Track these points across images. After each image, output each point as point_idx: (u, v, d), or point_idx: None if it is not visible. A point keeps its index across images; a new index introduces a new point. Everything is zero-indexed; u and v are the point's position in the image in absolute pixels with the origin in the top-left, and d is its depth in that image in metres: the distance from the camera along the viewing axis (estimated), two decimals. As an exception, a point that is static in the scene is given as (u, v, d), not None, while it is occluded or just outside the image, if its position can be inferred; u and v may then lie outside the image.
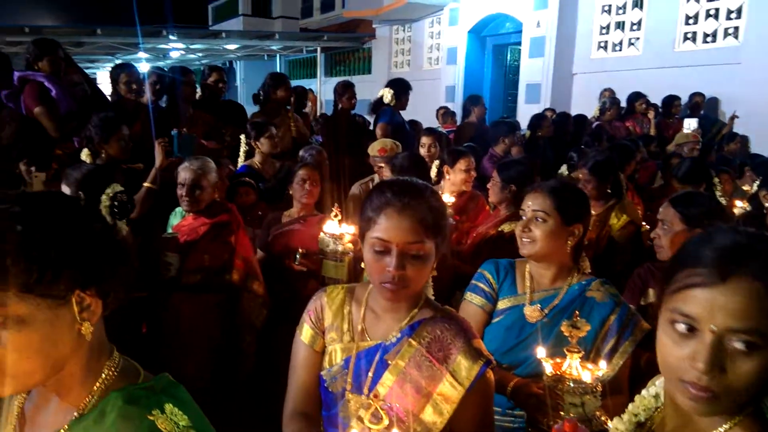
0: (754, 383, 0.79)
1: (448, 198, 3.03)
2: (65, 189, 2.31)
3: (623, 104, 6.32)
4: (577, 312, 1.46)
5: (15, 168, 3.04)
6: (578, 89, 8.27)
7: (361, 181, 3.74)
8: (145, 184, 3.08)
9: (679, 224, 2.08)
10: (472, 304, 1.83)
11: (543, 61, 8.33)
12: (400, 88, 4.87)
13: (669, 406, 0.95)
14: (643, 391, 1.04)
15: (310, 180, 3.02)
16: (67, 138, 3.42)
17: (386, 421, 1.24)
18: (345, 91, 5.05)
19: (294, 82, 13.83)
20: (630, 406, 1.04)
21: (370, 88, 11.91)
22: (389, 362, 1.28)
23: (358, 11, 11.79)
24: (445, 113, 7.57)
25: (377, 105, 4.88)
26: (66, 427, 0.87)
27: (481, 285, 1.84)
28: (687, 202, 2.12)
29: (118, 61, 11.28)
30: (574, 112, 6.43)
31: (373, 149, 3.84)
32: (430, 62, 11.23)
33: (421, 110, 8.06)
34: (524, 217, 1.77)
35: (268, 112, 4.37)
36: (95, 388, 0.89)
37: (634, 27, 7.81)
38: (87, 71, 11.81)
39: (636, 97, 6.28)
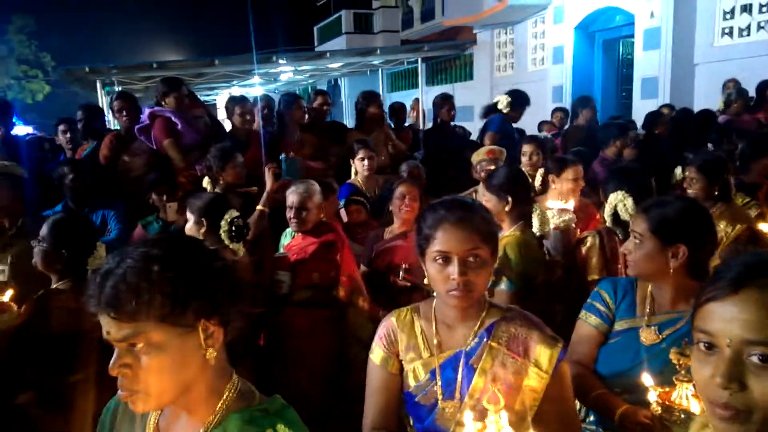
0: None
1: (570, 204, 2.91)
2: (189, 216, 2.53)
3: (752, 94, 5.69)
4: (686, 340, 1.37)
5: (147, 197, 3.37)
6: (701, 81, 7.57)
7: (465, 193, 3.70)
8: (258, 207, 3.28)
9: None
10: (586, 324, 1.78)
11: (659, 53, 7.74)
12: (519, 99, 4.80)
13: None
14: None
15: (409, 196, 3.04)
16: (189, 167, 3.73)
17: (492, 415, 1.27)
18: (444, 103, 5.04)
19: (396, 94, 14.01)
20: None
21: (473, 95, 11.85)
22: (475, 366, 1.38)
23: (457, 19, 11.73)
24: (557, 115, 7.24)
25: (489, 110, 4.80)
26: None
27: (597, 304, 1.78)
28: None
29: (234, 87, 12.16)
30: (697, 107, 5.90)
31: (479, 154, 3.79)
32: (535, 63, 10.89)
33: (527, 113, 7.83)
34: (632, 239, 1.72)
35: (365, 129, 4.47)
36: (218, 408, 1.01)
37: (764, 9, 7.02)
38: (207, 98, 12.72)
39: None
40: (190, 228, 2.52)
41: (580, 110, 5.35)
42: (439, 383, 1.40)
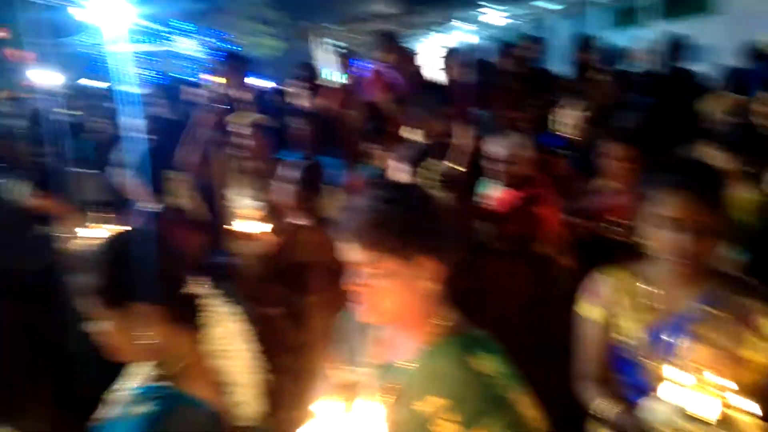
0: None
1: None
2: (399, 165, 2.75)
3: None
4: None
5: (364, 146, 3.70)
6: None
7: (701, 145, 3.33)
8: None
9: None
10: None
11: None
12: None
13: None
14: None
15: (621, 154, 2.86)
16: (402, 118, 3.97)
17: (711, 377, 1.27)
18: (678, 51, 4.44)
19: (620, 33, 12.42)
20: None
21: (721, 32, 9.97)
22: (692, 331, 1.37)
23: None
24: None
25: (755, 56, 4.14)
26: (413, 357, 1.19)
27: None
28: None
29: (434, 35, 12.19)
30: None
31: (720, 105, 3.36)
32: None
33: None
34: None
35: (579, 77, 4.24)
36: (434, 331, 1.19)
37: None
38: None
39: None
40: (400, 176, 2.74)
41: None
42: (651, 343, 1.42)
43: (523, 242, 2.89)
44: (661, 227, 1.34)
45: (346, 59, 4.31)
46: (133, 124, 3.79)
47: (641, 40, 6.61)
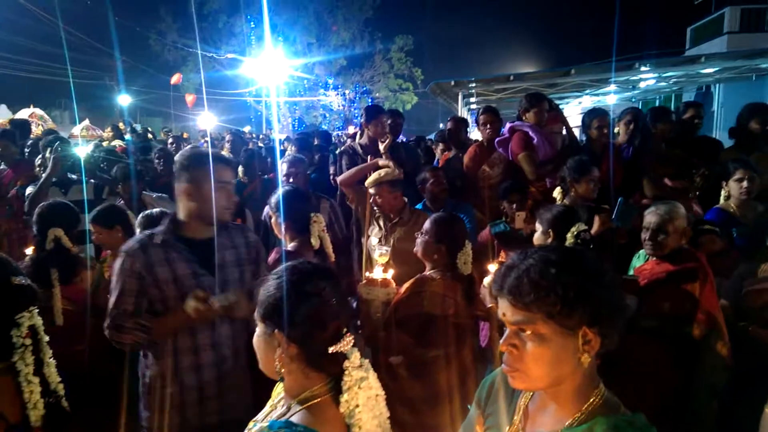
0: None
1: None
2: (538, 226, 2.66)
3: None
4: None
5: (499, 204, 3.65)
6: None
7: None
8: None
9: None
10: None
11: None
12: None
13: None
14: None
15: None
16: (541, 179, 3.88)
17: None
18: None
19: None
20: None
21: None
22: None
23: None
24: None
25: None
26: (560, 431, 1.11)
27: None
28: None
29: (585, 97, 11.90)
30: None
31: None
32: None
33: None
34: None
35: (744, 146, 3.85)
36: (584, 408, 1.11)
37: None
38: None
39: None
40: (537, 237, 2.64)
41: None
42: None
43: (672, 321, 2.61)
44: None
45: (490, 116, 4.32)
46: (282, 167, 4.11)
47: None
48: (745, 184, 3.30)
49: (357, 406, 1.26)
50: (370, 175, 3.49)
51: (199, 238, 2.23)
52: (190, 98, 25.39)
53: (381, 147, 4.00)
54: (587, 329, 1.07)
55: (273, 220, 2.79)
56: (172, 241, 2.19)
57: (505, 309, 1.11)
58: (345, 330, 1.31)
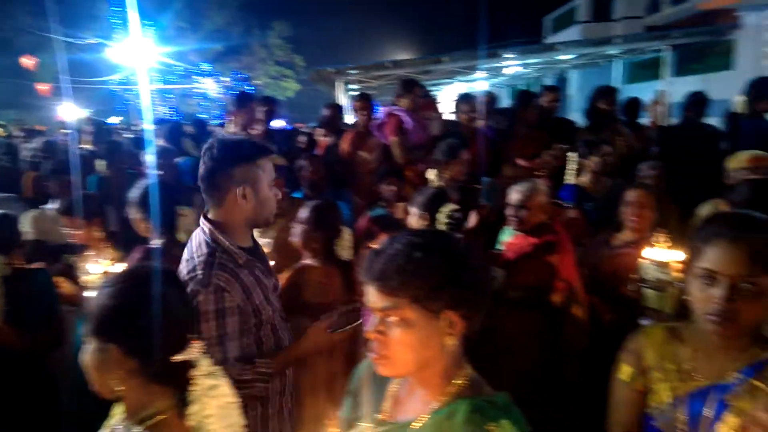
0: None
1: None
2: (413, 210, 2.71)
3: None
4: None
5: (377, 188, 3.69)
6: None
7: (715, 201, 3.27)
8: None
9: None
10: None
11: None
12: (755, 92, 4.05)
13: None
14: None
15: (639, 204, 2.80)
16: (413, 163, 3.97)
17: None
18: (696, 106, 4.45)
19: (636, 86, 12.77)
20: None
21: (732, 87, 10.18)
22: (730, 404, 1.24)
23: (716, 0, 10.26)
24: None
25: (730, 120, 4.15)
26: (425, 415, 1.11)
27: None
28: None
29: (456, 83, 12.40)
30: None
31: (739, 161, 3.30)
32: (819, 47, 8.99)
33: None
34: None
35: (596, 127, 4.22)
36: (450, 391, 1.11)
37: None
38: (431, 93, 13.13)
39: None
40: (412, 220, 2.70)
41: None
42: (685, 413, 1.29)
43: (536, 292, 2.79)
44: (710, 285, 1.22)
45: (364, 102, 4.35)
46: (147, 159, 3.84)
47: (658, 93, 6.65)
48: (595, 160, 3.61)
49: (208, 416, 1.18)
50: None
51: (246, 247, 1.86)
52: (44, 87, 22.92)
53: (252, 135, 3.87)
54: (451, 312, 1.06)
55: (133, 216, 2.58)
56: (248, 257, 1.82)
57: (372, 295, 1.08)
58: (190, 336, 1.22)
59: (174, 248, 2.51)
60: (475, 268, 1.10)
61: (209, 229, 1.77)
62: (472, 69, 10.92)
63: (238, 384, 1.54)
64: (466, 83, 12.87)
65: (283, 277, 2.63)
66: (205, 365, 1.21)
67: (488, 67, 11.28)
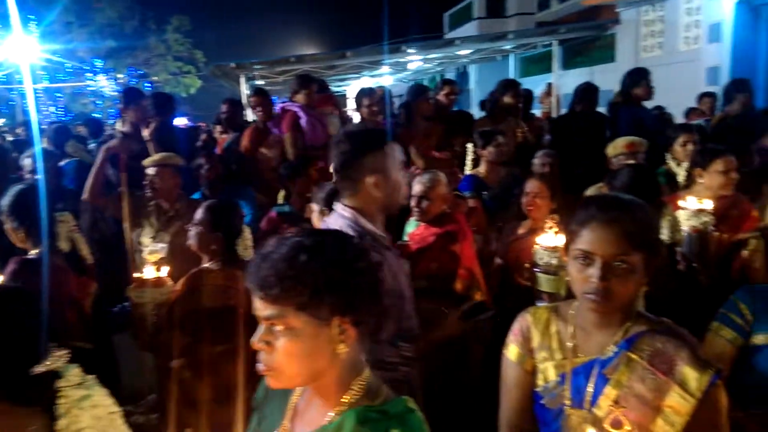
0: None
1: (707, 203, 2.65)
2: (314, 206, 2.68)
3: None
4: None
5: (282, 185, 3.62)
6: None
7: (598, 186, 3.51)
8: None
9: None
10: (717, 336, 1.62)
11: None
12: (629, 79, 4.38)
13: None
14: None
15: (535, 193, 2.95)
16: (316, 159, 3.94)
17: (628, 427, 1.24)
18: (585, 95, 4.73)
19: (530, 79, 13.43)
20: None
21: (615, 78, 10.99)
22: (609, 377, 1.30)
23: (598, -3, 11.00)
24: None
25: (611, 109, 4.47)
26: (317, 430, 1.05)
27: (732, 316, 1.61)
28: None
29: (364, 78, 12.48)
30: None
31: (617, 147, 3.55)
32: (688, 42, 9.88)
33: (676, 97, 7.15)
34: None
35: (494, 118, 4.38)
36: (343, 401, 1.05)
37: None
38: (338, 89, 13.13)
39: None
40: (314, 217, 2.67)
41: (735, 94, 4.76)
42: (569, 389, 1.35)
43: (439, 280, 2.86)
44: (587, 265, 1.27)
45: (259, 98, 4.24)
46: (26, 163, 3.52)
47: (549, 86, 7.07)
48: (491, 150, 3.75)
49: (81, 429, 1.09)
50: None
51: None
52: None
53: (145, 133, 3.66)
54: (341, 319, 1.02)
55: (7, 226, 2.35)
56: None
57: (257, 303, 1.02)
58: (52, 345, 1.12)
59: (54, 257, 2.32)
60: (365, 271, 1.04)
61: (352, 214, 1.82)
62: (378, 64, 11.03)
63: (385, 366, 1.62)
64: (372, 78, 12.97)
65: (180, 284, 2.52)
66: (73, 375, 1.12)
67: (392, 62, 11.44)
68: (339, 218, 1.85)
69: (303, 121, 4.00)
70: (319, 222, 2.64)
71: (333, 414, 1.04)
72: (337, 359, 1.03)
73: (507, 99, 4.39)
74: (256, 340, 1.03)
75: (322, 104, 4.22)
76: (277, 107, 4.21)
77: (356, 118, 4.68)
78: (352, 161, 1.81)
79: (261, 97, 4.26)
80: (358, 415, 1.00)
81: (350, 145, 1.81)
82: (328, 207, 2.64)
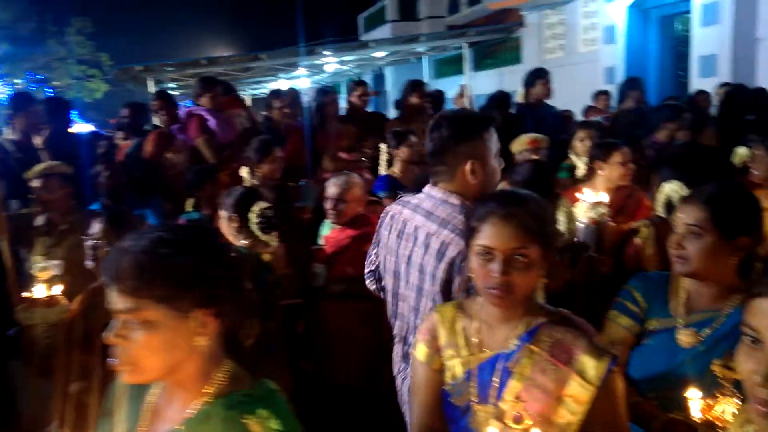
0: None
1: (603, 196, 2.80)
2: (223, 213, 2.57)
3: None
4: (728, 350, 1.26)
5: (192, 193, 3.46)
6: (766, 58, 7.09)
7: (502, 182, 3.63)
8: None
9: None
10: (615, 324, 1.66)
11: (718, 28, 7.29)
12: (526, 80, 4.60)
13: None
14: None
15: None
16: (226, 163, 3.81)
17: (529, 422, 1.25)
18: (501, 102, 4.89)
19: (443, 81, 13.74)
20: None
21: (522, 79, 11.50)
22: (512, 370, 1.31)
23: (504, 1, 11.44)
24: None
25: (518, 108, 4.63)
26: (181, 424, 1.03)
27: (627, 303, 1.66)
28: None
29: (281, 80, 12.29)
30: (762, 84, 5.53)
31: (520, 144, 3.69)
32: (586, 44, 10.49)
33: (578, 95, 7.56)
34: (676, 231, 1.55)
35: (405, 119, 4.43)
36: (206, 392, 1.04)
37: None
38: (255, 91, 12.86)
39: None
40: (223, 224, 2.57)
41: (629, 92, 5.11)
42: (475, 385, 1.35)
43: (356, 283, 2.83)
44: (488, 260, 1.28)
45: (162, 102, 4.05)
46: None
47: (461, 87, 7.27)
48: (404, 150, 3.77)
49: None
50: None
51: None
52: None
53: (37, 141, 3.39)
54: (202, 311, 1.02)
55: None
56: None
57: (113, 297, 0.99)
58: None
59: None
60: (227, 265, 1.06)
61: (457, 197, 1.77)
62: (294, 66, 10.89)
63: None
64: (289, 81, 12.80)
65: (76, 302, 2.34)
66: None
67: (309, 65, 11.35)
68: (442, 203, 1.78)
69: (211, 123, 3.86)
70: (228, 230, 2.54)
71: (198, 405, 1.03)
72: (196, 352, 1.03)
73: (413, 99, 4.45)
74: (111, 335, 1.00)
75: (229, 107, 4.09)
76: (181, 111, 4.03)
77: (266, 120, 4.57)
78: (451, 147, 1.77)
79: (163, 100, 4.08)
80: (227, 402, 1.02)
81: (449, 130, 1.78)
82: (237, 213, 2.56)
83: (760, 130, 3.44)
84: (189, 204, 3.52)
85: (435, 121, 1.85)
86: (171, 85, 10.47)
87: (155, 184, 3.79)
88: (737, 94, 4.76)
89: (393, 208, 1.98)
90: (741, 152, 3.37)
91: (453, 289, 1.70)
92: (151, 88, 9.36)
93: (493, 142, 1.83)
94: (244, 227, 2.50)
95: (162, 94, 4.23)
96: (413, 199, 1.92)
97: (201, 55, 13.54)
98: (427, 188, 1.87)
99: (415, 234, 1.82)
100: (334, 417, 2.78)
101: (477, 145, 1.78)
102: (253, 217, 2.53)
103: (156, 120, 4.51)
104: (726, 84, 5.64)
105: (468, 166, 1.77)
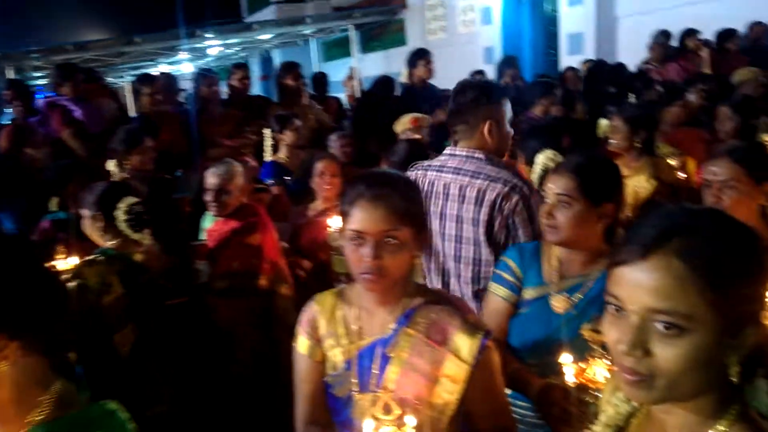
0: (689, 368, 0.74)
1: None
2: (85, 212, 2.34)
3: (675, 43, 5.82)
4: (595, 314, 1.33)
5: (62, 191, 3.14)
6: (626, 35, 7.68)
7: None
8: None
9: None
10: (495, 296, 1.69)
11: (583, 7, 7.80)
12: (409, 61, 4.69)
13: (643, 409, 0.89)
14: (614, 398, 0.93)
15: (329, 172, 2.95)
16: (98, 155, 3.51)
17: (397, 411, 1.23)
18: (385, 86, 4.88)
19: (332, 63, 13.58)
20: (602, 416, 0.94)
21: (405, 60, 11.63)
22: (391, 355, 1.29)
23: (386, -18, 11.48)
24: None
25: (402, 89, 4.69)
26: None
27: (504, 274, 1.69)
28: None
29: (161, 66, 11.55)
30: (623, 61, 5.99)
31: (403, 123, 3.72)
32: (466, 24, 10.81)
33: (459, 75, 7.74)
34: (547, 201, 1.59)
35: (286, 101, 4.32)
36: (27, 421, 0.93)
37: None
38: (132, 78, 12.03)
39: (688, 33, 5.75)
40: (86, 225, 2.34)
41: (505, 70, 5.33)
42: (355, 373, 1.31)
43: (241, 278, 2.73)
44: (360, 245, 1.23)
45: (15, 91, 3.64)
46: None
47: (350, 70, 7.24)
48: (289, 135, 3.68)
49: None
50: None
51: None
52: None
53: None
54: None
55: None
56: None
57: None
58: None
59: None
60: (19, 280, 0.94)
61: (481, 152, 1.99)
62: (174, 50, 10.26)
63: None
64: (170, 66, 12.05)
65: None
66: None
67: (190, 48, 10.75)
68: (468, 158, 1.99)
69: (77, 114, 3.51)
70: (93, 229, 2.32)
71: None
72: (5, 379, 0.92)
73: (289, 81, 4.35)
74: None
75: (96, 95, 3.74)
76: (39, 102, 3.64)
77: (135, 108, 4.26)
78: (472, 108, 2.00)
79: (16, 89, 3.65)
80: (49, 428, 0.92)
81: (473, 94, 2.01)
82: (101, 211, 2.34)
83: (619, 102, 3.72)
84: (53, 203, 3.21)
85: (459, 87, 2.08)
86: (35, 74, 9.47)
87: (12, 183, 3.40)
88: (598, 69, 5.13)
89: (414, 174, 2.11)
90: (603, 124, 3.64)
91: (495, 228, 1.91)
92: (12, 77, 8.42)
93: (508, 110, 2.06)
94: (110, 226, 2.29)
95: (14, 83, 3.79)
96: (434, 161, 2.12)
97: (71, 40, 12.35)
98: (448, 150, 2.08)
99: (445, 191, 2.01)
100: (234, 410, 2.68)
101: (496, 109, 2.01)
102: (121, 215, 2.33)
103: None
104: (589, 60, 6.05)
105: (486, 126, 1.99)
